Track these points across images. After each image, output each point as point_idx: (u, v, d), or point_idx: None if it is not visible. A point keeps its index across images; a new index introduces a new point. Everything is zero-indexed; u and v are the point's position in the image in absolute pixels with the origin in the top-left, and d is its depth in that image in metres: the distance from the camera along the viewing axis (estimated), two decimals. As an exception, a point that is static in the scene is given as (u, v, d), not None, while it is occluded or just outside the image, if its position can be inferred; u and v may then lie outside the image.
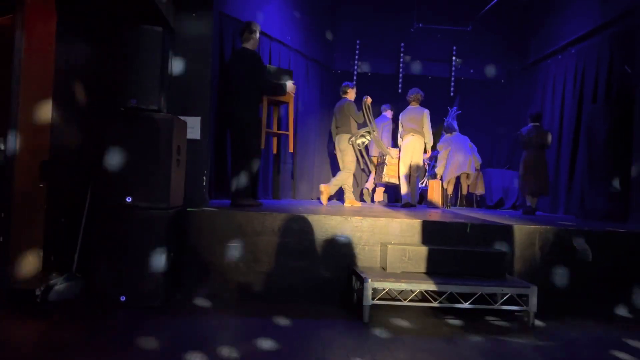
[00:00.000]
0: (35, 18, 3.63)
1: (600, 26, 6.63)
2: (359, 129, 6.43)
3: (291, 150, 6.78)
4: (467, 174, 7.98)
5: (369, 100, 6.42)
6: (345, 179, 6.35)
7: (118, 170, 3.61)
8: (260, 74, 4.84)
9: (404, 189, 6.96)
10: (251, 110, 4.88)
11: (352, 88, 6.65)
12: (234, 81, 4.88)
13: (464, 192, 8.41)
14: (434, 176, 8.11)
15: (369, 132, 6.35)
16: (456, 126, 8.13)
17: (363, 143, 6.38)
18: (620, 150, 5.88)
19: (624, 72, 6.05)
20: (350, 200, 6.36)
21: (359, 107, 6.43)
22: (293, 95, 5.81)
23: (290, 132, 6.36)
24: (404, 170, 6.95)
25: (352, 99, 6.59)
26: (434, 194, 7.92)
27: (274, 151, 6.87)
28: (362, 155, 6.51)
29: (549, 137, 6.80)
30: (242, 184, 4.88)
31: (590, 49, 6.92)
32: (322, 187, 6.28)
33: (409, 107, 7.10)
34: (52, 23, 3.68)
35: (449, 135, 8.06)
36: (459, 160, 7.77)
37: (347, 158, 6.32)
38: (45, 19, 3.65)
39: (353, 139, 6.26)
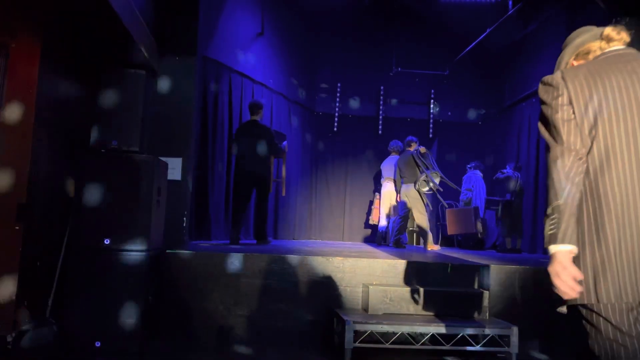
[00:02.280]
0: (18, 61, 3.65)
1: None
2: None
3: (283, 194, 7.33)
4: None
5: (422, 149, 7.16)
6: (425, 225, 6.94)
7: (97, 211, 3.57)
8: (276, 144, 6.11)
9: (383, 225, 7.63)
10: (269, 170, 6.19)
11: (416, 142, 7.32)
12: (253, 146, 5.92)
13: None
14: (467, 203, 8.23)
15: (436, 174, 6.96)
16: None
17: (435, 185, 6.95)
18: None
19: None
20: (430, 244, 6.90)
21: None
22: (285, 153, 6.72)
23: (283, 180, 6.96)
24: (384, 214, 7.66)
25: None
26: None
27: None
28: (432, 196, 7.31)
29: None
30: (265, 225, 6.13)
31: (563, 93, 7.17)
32: (429, 247, 6.87)
33: (389, 156, 7.86)
34: (36, 66, 3.70)
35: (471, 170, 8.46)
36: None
37: (419, 205, 6.89)
38: (28, 62, 3.67)
39: (418, 186, 6.89)
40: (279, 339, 3.95)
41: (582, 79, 1.64)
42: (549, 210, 1.57)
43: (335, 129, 9.34)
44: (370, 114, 9.56)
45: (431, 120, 9.59)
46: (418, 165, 6.91)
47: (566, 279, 1.48)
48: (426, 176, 6.82)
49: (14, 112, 3.64)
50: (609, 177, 1.56)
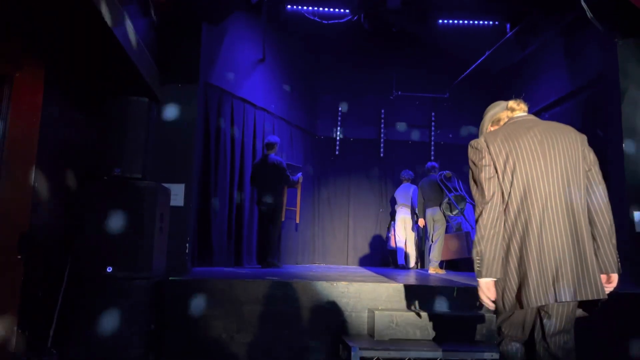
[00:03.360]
0: (22, 91, 3.68)
1: (571, 93, 6.94)
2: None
3: (297, 221, 7.83)
4: None
5: (448, 173, 7.33)
6: (439, 248, 7.04)
7: (99, 239, 3.55)
8: (287, 177, 6.67)
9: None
10: (281, 199, 6.73)
11: (438, 167, 7.53)
12: (269, 178, 6.55)
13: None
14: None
15: (461, 198, 7.11)
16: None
17: (462, 209, 7.10)
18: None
19: (596, 135, 6.27)
20: (436, 268, 6.98)
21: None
22: (300, 184, 7.24)
23: (297, 207, 7.49)
24: (401, 238, 8.06)
25: None
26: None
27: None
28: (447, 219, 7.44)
29: None
30: (276, 250, 6.58)
31: (563, 114, 7.18)
32: (431, 270, 6.97)
33: (402, 184, 8.14)
34: (39, 95, 3.73)
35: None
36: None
37: (440, 228, 7.07)
38: (32, 91, 3.70)
39: (443, 208, 7.07)
40: (284, 367, 3.88)
41: (500, 142, 2.21)
42: (474, 252, 2.16)
43: (336, 152, 9.37)
44: (371, 137, 9.59)
45: (432, 143, 9.62)
46: (443, 190, 7.00)
47: (484, 298, 2.19)
48: (449, 199, 6.91)
49: (17, 141, 3.66)
50: (528, 214, 2.11)
